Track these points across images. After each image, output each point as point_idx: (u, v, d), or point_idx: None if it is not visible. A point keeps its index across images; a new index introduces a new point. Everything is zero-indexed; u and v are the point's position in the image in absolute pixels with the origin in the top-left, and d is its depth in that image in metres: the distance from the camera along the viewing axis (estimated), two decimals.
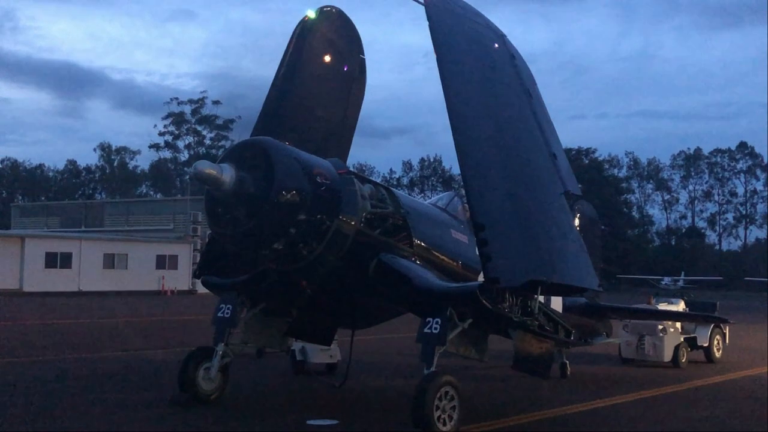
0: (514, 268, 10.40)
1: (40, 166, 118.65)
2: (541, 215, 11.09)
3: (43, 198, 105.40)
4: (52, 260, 50.51)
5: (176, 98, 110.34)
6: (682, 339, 19.03)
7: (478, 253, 10.76)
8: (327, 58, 13.79)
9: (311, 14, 13.38)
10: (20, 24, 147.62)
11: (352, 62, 14.39)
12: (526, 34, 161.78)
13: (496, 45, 12.44)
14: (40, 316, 30.81)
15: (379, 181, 15.41)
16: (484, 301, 10.56)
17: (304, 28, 13.45)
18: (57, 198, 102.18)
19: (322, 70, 13.85)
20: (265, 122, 13.15)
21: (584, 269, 11.51)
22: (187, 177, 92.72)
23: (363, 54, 14.62)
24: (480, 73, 11.65)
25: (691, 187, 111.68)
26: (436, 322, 10.73)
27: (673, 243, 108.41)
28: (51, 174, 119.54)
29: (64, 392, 12.99)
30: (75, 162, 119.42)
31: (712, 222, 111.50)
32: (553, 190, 11.64)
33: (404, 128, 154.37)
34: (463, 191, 11.76)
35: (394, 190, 13.02)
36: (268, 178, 10.41)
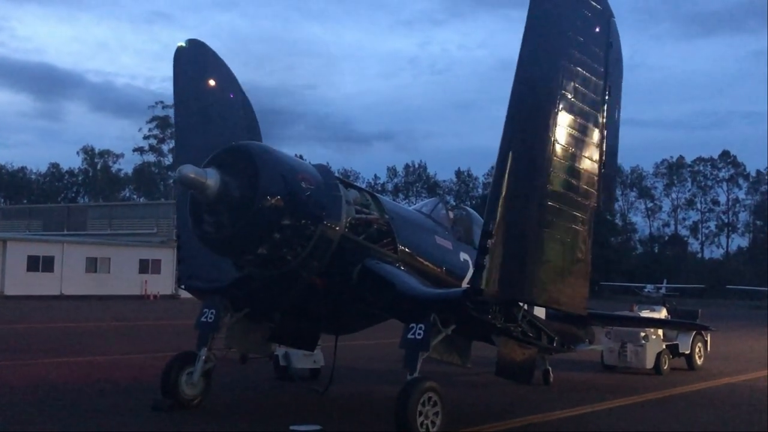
0: (503, 283, 10.37)
1: (23, 168, 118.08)
2: (555, 231, 10.77)
3: (25, 201, 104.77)
4: (34, 263, 50.17)
5: (161, 102, 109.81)
6: (664, 346, 19.12)
7: (470, 259, 10.62)
8: (211, 82, 14.19)
9: (182, 44, 14.13)
10: None
11: (234, 91, 14.71)
12: (511, 41, 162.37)
13: (597, 29, 11.43)
14: (20, 319, 30.58)
15: (363, 186, 15.43)
16: (467, 308, 10.58)
17: (179, 58, 13.99)
18: (39, 201, 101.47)
19: (207, 95, 14.17)
20: (182, 140, 13.89)
21: (577, 293, 11.38)
22: (171, 181, 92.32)
23: (242, 91, 14.81)
24: (563, 57, 10.82)
25: (674, 195, 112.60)
26: (420, 328, 10.73)
27: (656, 251, 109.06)
28: (33, 177, 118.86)
29: (47, 398, 12.91)
30: (58, 165, 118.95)
31: (694, 230, 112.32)
32: (584, 203, 11.18)
33: (387, 134, 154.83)
34: (447, 198, 11.72)
35: (378, 195, 13.02)
36: (253, 183, 10.39)
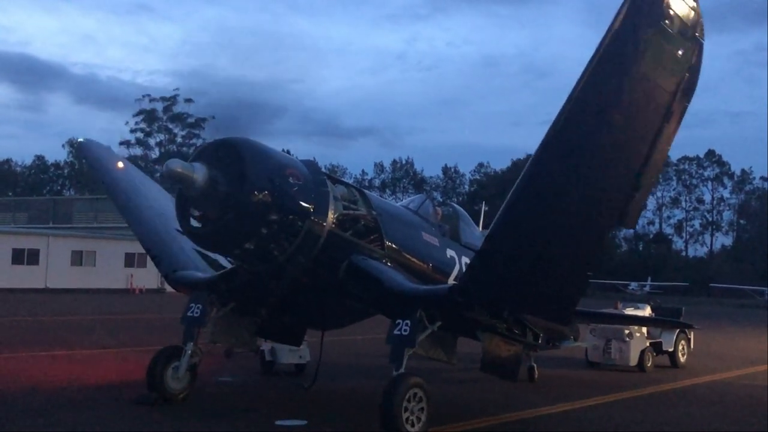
0: (492, 289, 10.39)
1: (8, 161, 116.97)
2: (564, 246, 10.40)
3: (10, 193, 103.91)
4: (19, 256, 49.92)
5: (148, 95, 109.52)
6: (647, 344, 19.25)
7: (456, 255, 10.52)
8: (119, 164, 15.92)
9: (81, 140, 17.06)
10: None
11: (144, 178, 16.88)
12: (496, 37, 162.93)
13: (680, 52, 10.15)
14: (4, 312, 30.43)
15: (351, 182, 15.46)
16: (453, 305, 10.62)
17: (82, 149, 17.00)
18: (25, 194, 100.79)
19: (122, 175, 15.66)
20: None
21: (567, 310, 11.39)
22: (158, 175, 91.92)
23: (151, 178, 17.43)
24: (631, 72, 9.80)
25: (659, 194, 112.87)
26: (406, 324, 10.77)
27: (641, 249, 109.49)
28: (19, 169, 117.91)
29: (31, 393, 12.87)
30: (43, 157, 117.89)
31: (679, 228, 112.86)
32: (603, 220, 10.65)
33: (375, 129, 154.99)
34: (434, 194, 11.67)
35: (366, 191, 13.04)
36: (240, 178, 10.39)
